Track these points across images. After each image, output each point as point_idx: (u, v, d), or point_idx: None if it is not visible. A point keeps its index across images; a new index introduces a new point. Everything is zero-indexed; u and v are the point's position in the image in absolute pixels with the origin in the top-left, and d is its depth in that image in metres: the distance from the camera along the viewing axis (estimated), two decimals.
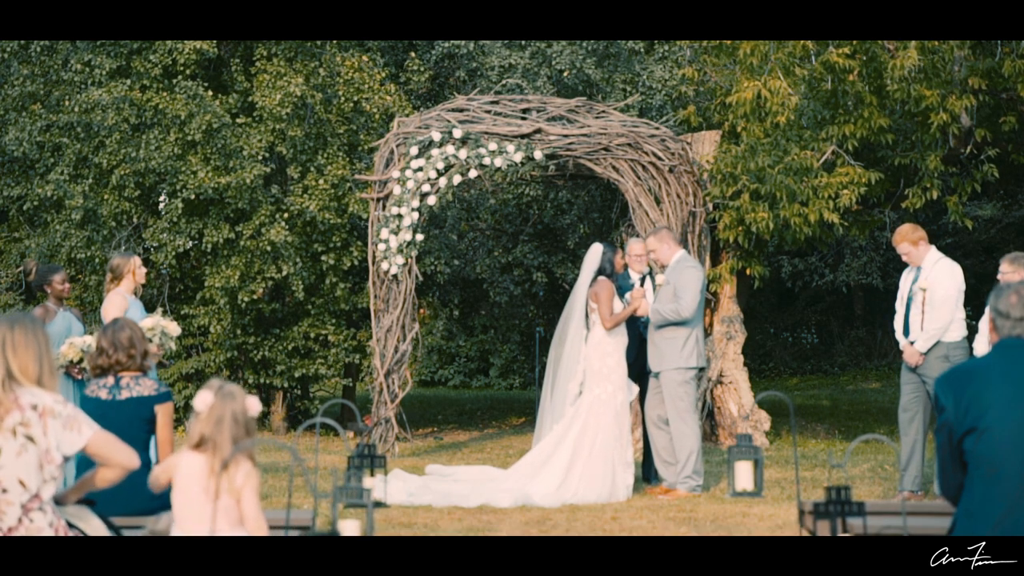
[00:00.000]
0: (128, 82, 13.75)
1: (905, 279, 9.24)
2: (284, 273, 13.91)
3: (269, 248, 13.65)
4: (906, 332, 9.07)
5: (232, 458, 4.40)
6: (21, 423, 4.07)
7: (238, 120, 13.86)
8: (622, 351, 9.46)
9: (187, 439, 4.56)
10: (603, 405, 9.32)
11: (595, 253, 9.57)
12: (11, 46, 14.51)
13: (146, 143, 13.59)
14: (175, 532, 4.48)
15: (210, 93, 13.73)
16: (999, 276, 8.45)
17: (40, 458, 4.10)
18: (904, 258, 9.12)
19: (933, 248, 9.12)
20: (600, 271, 9.50)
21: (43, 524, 4.12)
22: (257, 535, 4.38)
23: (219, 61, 14.74)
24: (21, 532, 4.09)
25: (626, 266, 10.14)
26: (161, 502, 6.32)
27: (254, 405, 4.56)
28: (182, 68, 13.94)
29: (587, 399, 9.36)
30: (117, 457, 4.35)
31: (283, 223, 13.78)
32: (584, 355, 9.45)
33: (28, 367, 4.16)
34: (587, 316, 9.50)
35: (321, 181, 13.90)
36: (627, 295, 9.78)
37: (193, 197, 13.52)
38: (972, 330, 9.09)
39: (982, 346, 8.66)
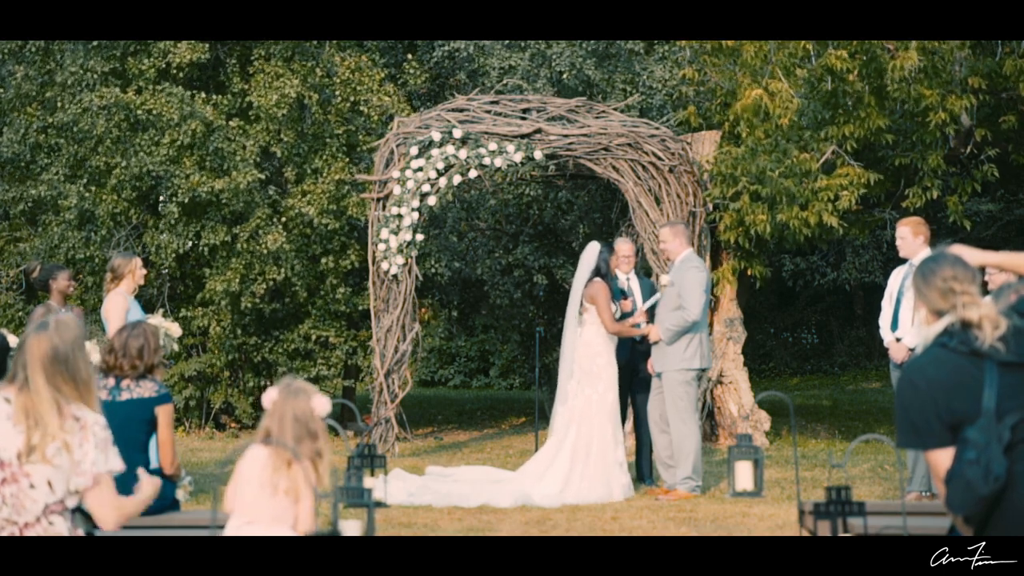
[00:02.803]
0: (119, 84, 13.74)
1: (895, 276, 9.27)
2: (284, 276, 13.91)
3: (267, 252, 13.65)
4: (894, 328, 9.10)
5: (294, 457, 4.34)
6: (62, 428, 4.11)
7: (232, 124, 13.84)
8: (611, 351, 9.48)
9: (256, 434, 4.53)
10: (595, 405, 9.34)
11: (592, 252, 9.58)
12: (8, 46, 14.50)
13: (139, 146, 13.59)
14: (230, 523, 4.45)
15: (203, 96, 13.72)
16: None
17: (70, 467, 4.13)
18: (898, 243, 9.12)
19: (928, 248, 9.15)
20: (596, 271, 9.51)
21: (62, 530, 4.14)
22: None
23: (216, 61, 14.72)
24: (39, 531, 4.10)
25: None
26: (161, 503, 6.33)
27: (321, 405, 4.48)
28: (175, 71, 13.92)
29: (580, 400, 9.37)
30: (102, 512, 4.30)
31: (279, 227, 13.77)
32: (577, 354, 9.47)
33: (66, 389, 4.18)
34: (580, 315, 9.51)
35: (319, 186, 13.88)
36: (616, 304, 9.76)
37: (187, 201, 13.52)
38: None
39: None
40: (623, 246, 10.29)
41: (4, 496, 4.10)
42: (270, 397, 4.48)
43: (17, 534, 4.10)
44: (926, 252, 9.08)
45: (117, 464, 4.23)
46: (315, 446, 4.44)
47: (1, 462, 4.10)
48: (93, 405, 4.23)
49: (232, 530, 4.40)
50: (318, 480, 4.41)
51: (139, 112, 13.51)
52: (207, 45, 14.04)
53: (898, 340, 9.05)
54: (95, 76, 13.82)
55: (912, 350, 8.91)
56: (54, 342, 4.19)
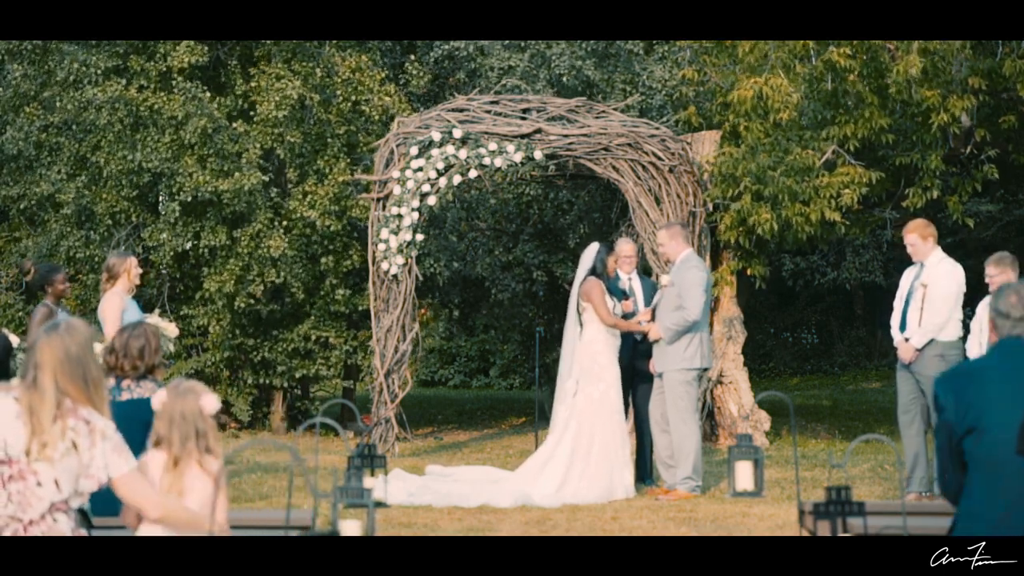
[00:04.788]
0: (123, 81, 13.73)
1: (906, 276, 9.25)
2: (282, 279, 13.90)
3: (267, 256, 13.63)
4: (903, 328, 9.09)
5: (182, 456, 4.54)
6: (71, 429, 4.12)
7: (235, 124, 13.82)
8: (613, 350, 9.49)
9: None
10: (597, 404, 9.34)
11: (590, 252, 9.64)
12: (7, 45, 14.49)
13: (142, 143, 13.58)
14: (142, 529, 4.52)
15: (208, 94, 13.70)
16: (987, 279, 8.49)
17: (79, 469, 4.14)
18: (909, 250, 9.15)
19: (938, 248, 9.15)
20: (591, 270, 9.53)
21: (65, 528, 4.15)
22: (214, 533, 4.40)
23: (216, 62, 14.71)
24: (42, 528, 4.11)
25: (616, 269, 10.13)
26: None
27: (210, 403, 4.63)
28: (176, 75, 13.91)
29: (581, 399, 9.38)
30: (141, 501, 4.33)
31: (281, 230, 13.75)
32: (577, 353, 9.47)
33: (71, 390, 4.19)
34: (579, 315, 9.52)
35: (321, 188, 13.86)
36: (618, 304, 9.75)
37: (190, 199, 13.51)
38: (968, 331, 9.11)
39: (974, 347, 8.70)
40: (624, 246, 10.29)
41: (10, 493, 4.11)
42: (159, 399, 4.65)
43: (21, 531, 4.11)
44: (938, 252, 9.09)
45: (132, 462, 4.27)
46: (204, 443, 4.60)
47: (9, 459, 4.11)
48: (103, 409, 4.24)
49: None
50: (213, 477, 4.53)
51: (142, 110, 13.51)
52: (206, 47, 14.03)
53: (906, 340, 9.03)
54: (97, 73, 13.80)
55: (920, 350, 8.90)
56: (66, 344, 4.20)
